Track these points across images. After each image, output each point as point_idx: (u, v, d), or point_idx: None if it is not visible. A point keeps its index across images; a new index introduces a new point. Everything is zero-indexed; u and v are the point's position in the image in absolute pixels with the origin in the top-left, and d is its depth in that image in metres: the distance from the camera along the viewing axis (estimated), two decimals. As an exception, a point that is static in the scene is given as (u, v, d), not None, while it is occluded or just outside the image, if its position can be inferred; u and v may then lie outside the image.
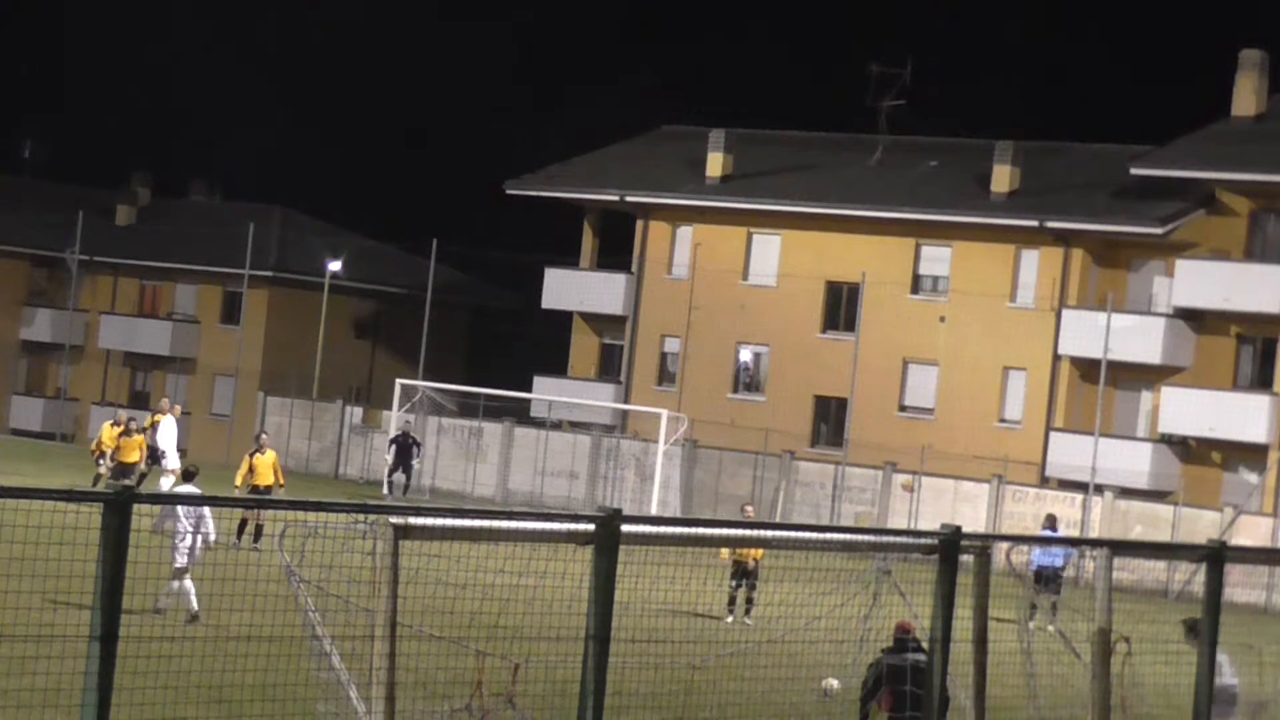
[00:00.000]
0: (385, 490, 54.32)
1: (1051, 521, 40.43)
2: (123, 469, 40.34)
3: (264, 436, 39.49)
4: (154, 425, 42.51)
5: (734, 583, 30.71)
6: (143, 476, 40.59)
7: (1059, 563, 36.67)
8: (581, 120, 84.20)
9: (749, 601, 30.65)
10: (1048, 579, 35.67)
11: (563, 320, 71.40)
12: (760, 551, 30.01)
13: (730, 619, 29.94)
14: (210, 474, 44.54)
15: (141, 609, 10.80)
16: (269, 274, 76.98)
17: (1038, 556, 35.47)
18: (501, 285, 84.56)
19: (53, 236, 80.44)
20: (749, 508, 37.73)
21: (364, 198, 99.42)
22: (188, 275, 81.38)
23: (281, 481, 37.19)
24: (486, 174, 79.99)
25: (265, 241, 76.50)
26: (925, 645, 13.98)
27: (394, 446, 54.61)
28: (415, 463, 54.84)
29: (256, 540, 33.01)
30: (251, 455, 37.19)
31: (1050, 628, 31.69)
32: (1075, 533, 52.78)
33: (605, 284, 69.42)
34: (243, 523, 33.80)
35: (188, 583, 23.27)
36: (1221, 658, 25.57)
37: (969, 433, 60.69)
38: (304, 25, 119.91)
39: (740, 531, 16.68)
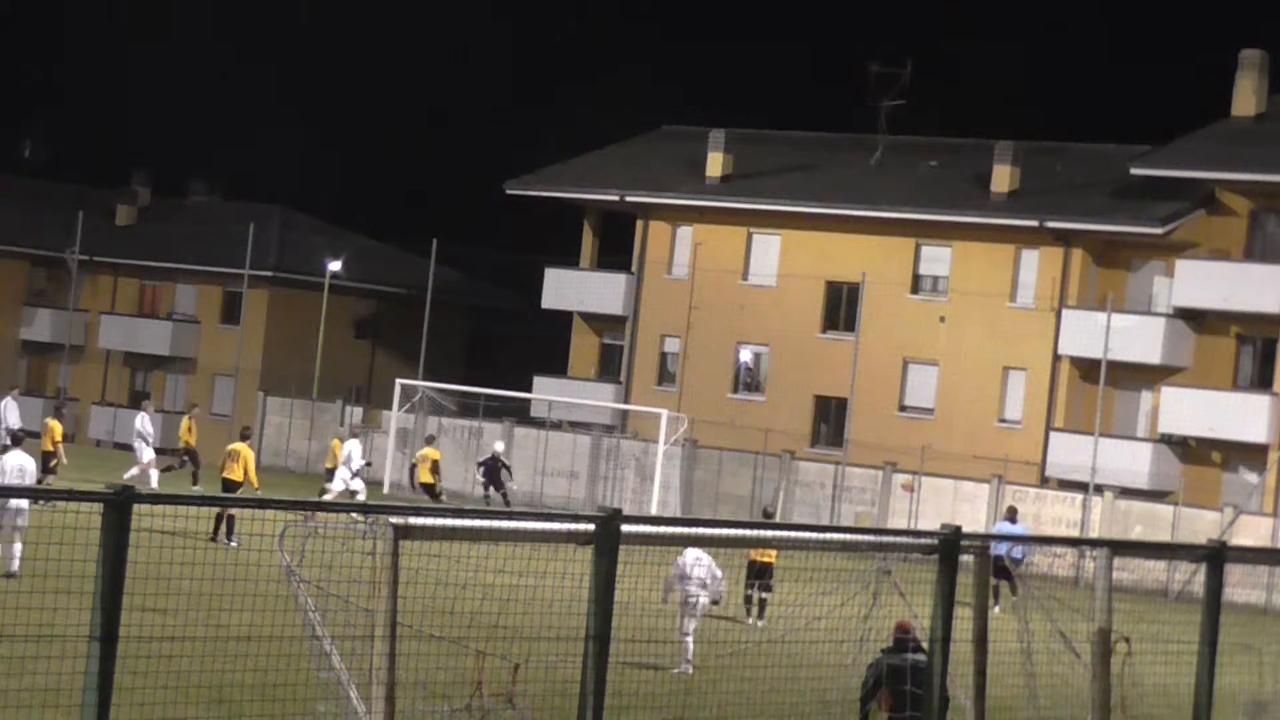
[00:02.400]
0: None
1: (1012, 514, 40.51)
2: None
3: (247, 429, 39.38)
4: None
5: (750, 583, 30.72)
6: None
7: (1017, 554, 36.63)
8: (582, 120, 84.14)
9: (762, 603, 30.67)
10: (1001, 569, 35.61)
11: (563, 320, 71.35)
12: (775, 552, 30.11)
13: (750, 620, 29.99)
14: (211, 473, 44.74)
15: (141, 608, 10.78)
16: (269, 274, 76.90)
17: (999, 547, 35.36)
18: (501, 285, 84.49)
19: (53, 236, 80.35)
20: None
21: (364, 198, 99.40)
22: (188, 275, 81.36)
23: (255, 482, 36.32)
24: (486, 174, 79.92)
25: (265, 241, 76.41)
26: (925, 645, 13.97)
27: (483, 468, 53.46)
28: (512, 484, 53.47)
29: (215, 536, 32.59)
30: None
31: (996, 610, 31.86)
32: (1075, 533, 52.78)
33: (605, 284, 69.39)
34: (221, 519, 33.25)
35: (15, 547, 22.86)
36: (685, 557, 25.22)
37: (969, 433, 60.67)
38: (304, 25, 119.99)
39: (738, 532, 16.66)
